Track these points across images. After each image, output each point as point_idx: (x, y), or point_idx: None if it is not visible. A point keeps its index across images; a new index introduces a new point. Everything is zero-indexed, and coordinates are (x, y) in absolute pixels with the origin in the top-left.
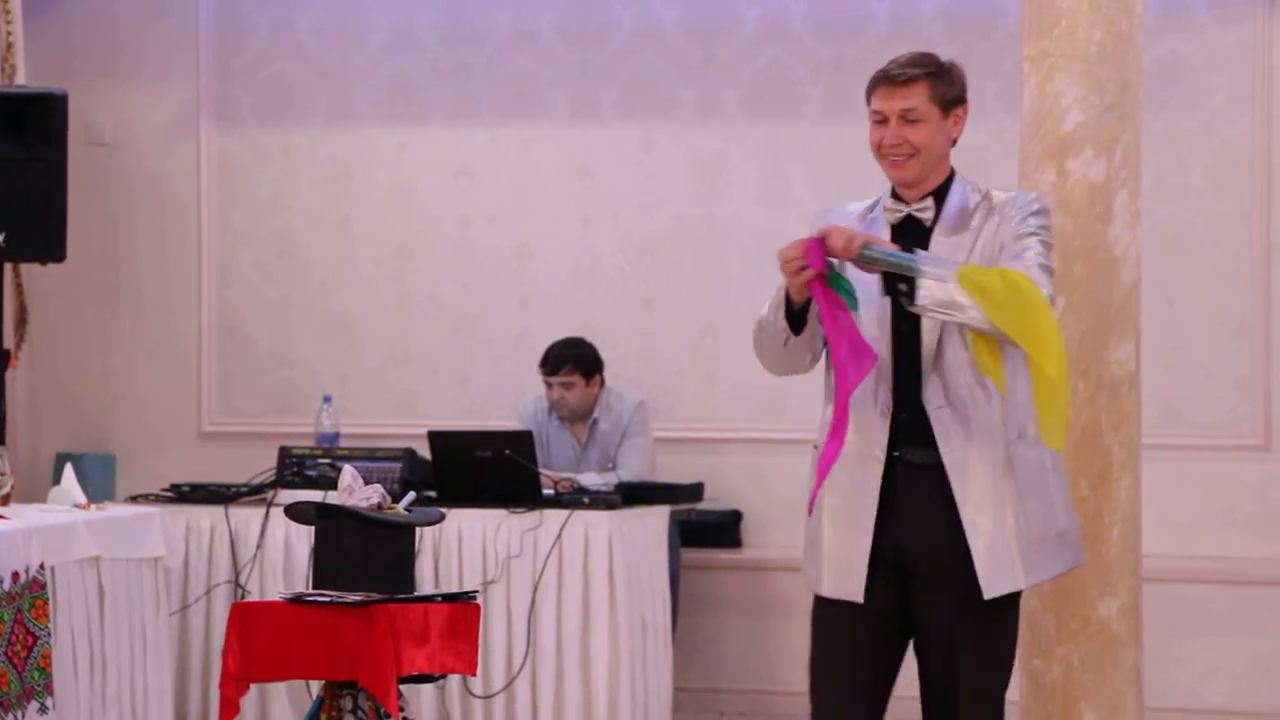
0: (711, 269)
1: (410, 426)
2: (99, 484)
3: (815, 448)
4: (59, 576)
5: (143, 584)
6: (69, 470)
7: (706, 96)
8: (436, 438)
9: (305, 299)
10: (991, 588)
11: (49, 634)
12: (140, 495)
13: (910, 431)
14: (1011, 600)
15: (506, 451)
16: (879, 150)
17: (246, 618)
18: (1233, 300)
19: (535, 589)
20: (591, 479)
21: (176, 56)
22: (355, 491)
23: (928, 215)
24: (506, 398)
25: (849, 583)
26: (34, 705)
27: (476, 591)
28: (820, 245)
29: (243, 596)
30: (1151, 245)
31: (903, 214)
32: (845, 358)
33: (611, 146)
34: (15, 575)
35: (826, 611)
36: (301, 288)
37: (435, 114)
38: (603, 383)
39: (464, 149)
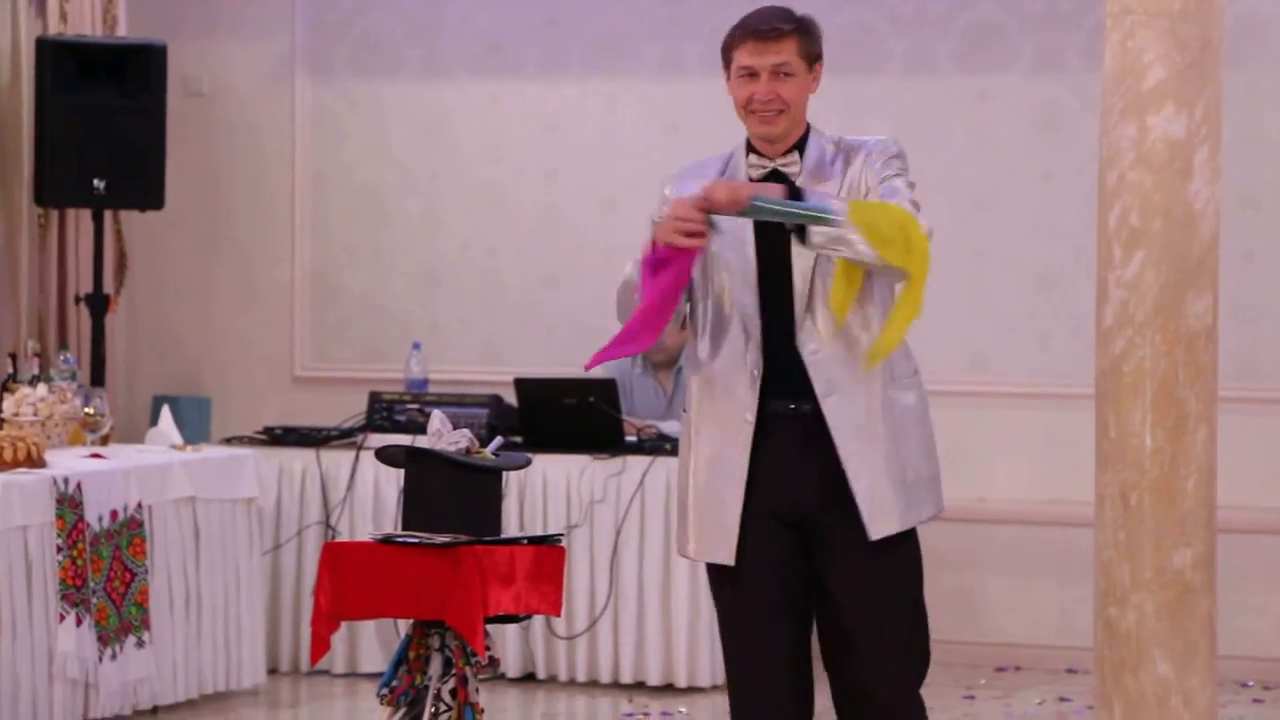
0: None
1: (497, 374)
2: (195, 426)
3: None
4: (156, 515)
5: (236, 524)
6: (166, 412)
7: None
8: (523, 385)
9: (395, 248)
10: (875, 529)
11: (146, 571)
12: (234, 437)
13: (780, 384)
14: (899, 540)
15: (591, 399)
16: (747, 106)
17: (338, 557)
18: None
19: (618, 533)
20: (673, 426)
21: (272, 9)
22: (444, 436)
23: (794, 169)
24: (591, 347)
25: (721, 546)
26: (132, 639)
27: (561, 535)
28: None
29: (333, 537)
30: (1230, 201)
31: (768, 169)
32: (639, 324)
33: (697, 101)
34: (114, 514)
35: (724, 580)
36: (392, 237)
37: (525, 67)
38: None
39: (552, 102)
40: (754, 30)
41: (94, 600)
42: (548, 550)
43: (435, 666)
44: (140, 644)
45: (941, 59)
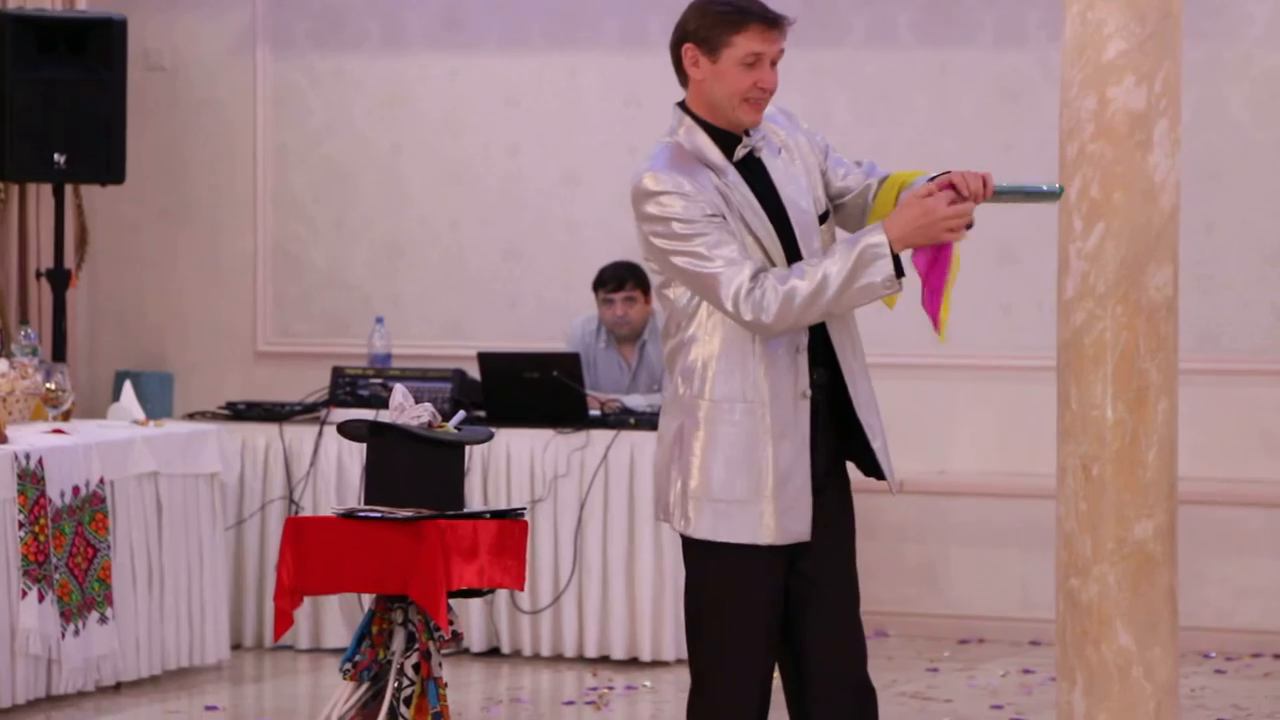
0: None
1: (460, 348)
2: (157, 401)
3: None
4: (118, 491)
5: (199, 499)
6: (128, 388)
7: None
8: (486, 359)
9: (358, 222)
10: (894, 482)
11: (109, 546)
12: (197, 413)
13: (813, 353)
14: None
15: (554, 373)
16: (747, 93)
17: (300, 532)
18: (1270, 228)
19: (581, 508)
20: (637, 400)
21: None
22: (406, 410)
23: (761, 145)
24: (554, 321)
25: (795, 523)
26: (94, 615)
27: (524, 509)
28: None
29: (296, 512)
30: (1190, 173)
31: (747, 150)
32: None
33: (659, 73)
34: (76, 489)
35: (753, 556)
36: (354, 211)
37: (485, 41)
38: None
39: (513, 76)
40: (761, 17)
41: (56, 576)
42: (511, 524)
43: (398, 641)
44: (103, 620)
45: (902, 31)
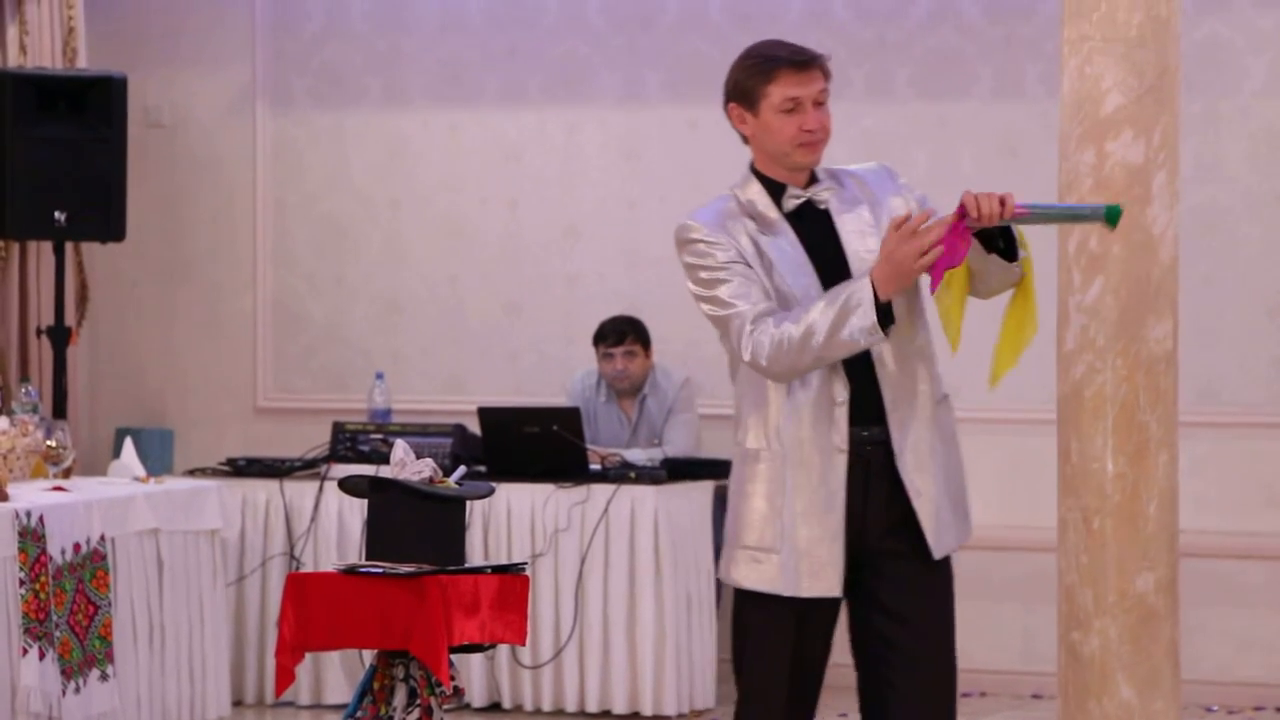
0: None
1: (460, 403)
2: (157, 458)
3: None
4: (119, 548)
5: (200, 556)
6: (128, 444)
7: None
8: (486, 414)
9: (358, 278)
10: (938, 549)
11: (109, 604)
12: (198, 469)
13: (859, 408)
14: (948, 560)
15: (554, 427)
16: (796, 138)
17: (302, 588)
18: (1269, 280)
19: (582, 562)
20: (637, 455)
21: (233, 41)
22: (407, 465)
23: (825, 195)
24: (554, 375)
25: (822, 579)
26: (95, 673)
27: (525, 564)
28: (962, 223)
29: (297, 568)
30: (1189, 226)
31: (802, 200)
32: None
33: (658, 128)
34: (77, 546)
35: (784, 610)
36: (354, 267)
37: (485, 97)
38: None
39: (513, 131)
40: (789, 61)
41: (57, 634)
42: (512, 579)
43: (400, 697)
44: (104, 677)
45: (901, 85)
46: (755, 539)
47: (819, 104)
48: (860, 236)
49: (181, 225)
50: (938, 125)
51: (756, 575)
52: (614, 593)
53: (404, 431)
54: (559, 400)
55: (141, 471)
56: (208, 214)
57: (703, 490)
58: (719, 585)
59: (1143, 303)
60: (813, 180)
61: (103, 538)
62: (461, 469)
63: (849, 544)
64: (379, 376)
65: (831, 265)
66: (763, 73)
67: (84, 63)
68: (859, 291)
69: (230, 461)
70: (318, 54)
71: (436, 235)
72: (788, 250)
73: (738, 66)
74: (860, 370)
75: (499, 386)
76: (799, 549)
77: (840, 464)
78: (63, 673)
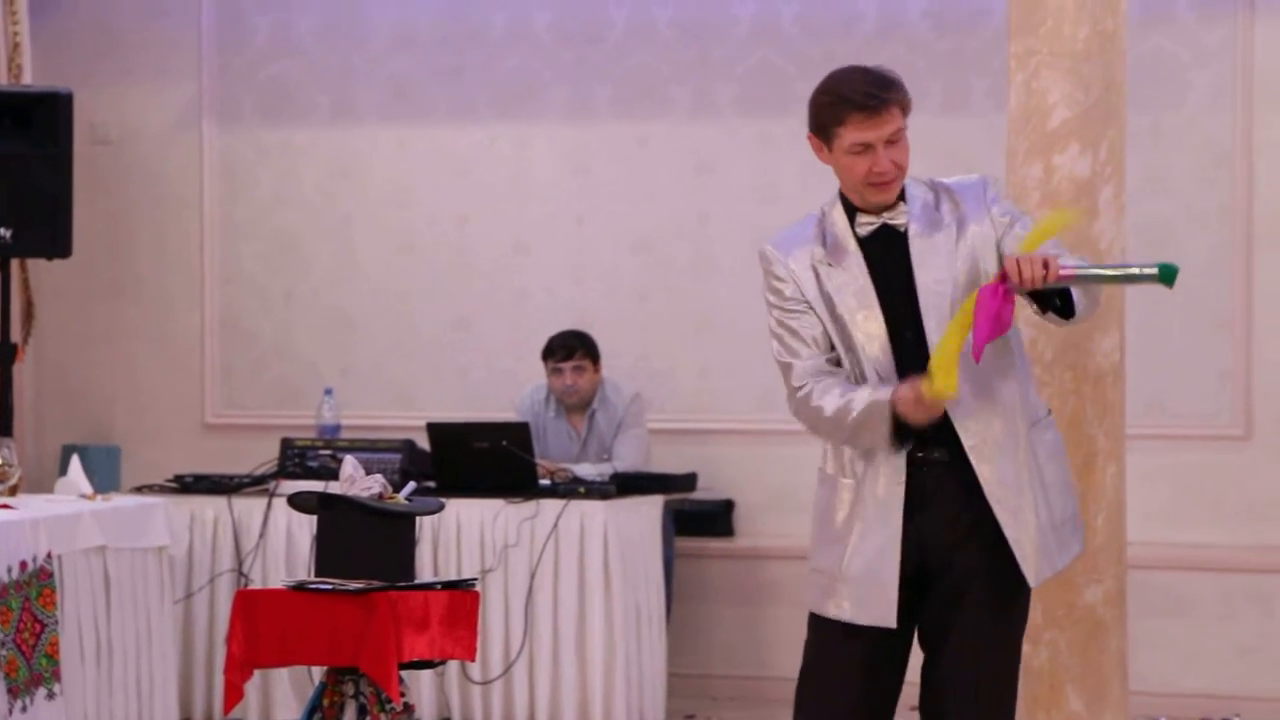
0: (705, 264)
1: (409, 419)
2: (104, 475)
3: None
4: (66, 565)
5: (148, 573)
6: (75, 461)
7: (700, 94)
8: (435, 429)
9: (306, 294)
10: (1031, 574)
11: (56, 622)
12: (145, 486)
13: (930, 431)
14: (1027, 592)
15: (504, 443)
16: (866, 179)
17: (251, 605)
18: (1215, 293)
19: (532, 577)
20: (586, 469)
21: (179, 57)
22: (357, 481)
23: (901, 221)
24: (504, 390)
25: (878, 606)
26: (42, 691)
27: (475, 579)
28: (1004, 285)
29: (245, 584)
30: (1135, 239)
31: (876, 225)
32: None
33: (607, 144)
34: (23, 564)
35: (836, 634)
36: (302, 283)
37: (434, 113)
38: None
39: (462, 147)
40: (860, 106)
41: (3, 652)
42: (462, 595)
43: (350, 714)
44: (51, 695)
45: None
46: (818, 561)
47: (893, 143)
48: (930, 262)
49: (128, 241)
50: None
51: (819, 599)
52: (564, 607)
53: (353, 447)
54: (508, 415)
55: (89, 489)
56: (155, 230)
57: (652, 505)
58: (669, 599)
59: (1090, 317)
60: (901, 196)
61: (49, 555)
62: (411, 485)
63: (923, 564)
64: (328, 392)
65: (899, 295)
66: (833, 114)
67: (30, 79)
68: (882, 405)
69: (178, 478)
70: (265, 70)
71: (386, 251)
72: (852, 282)
73: (814, 100)
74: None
75: (448, 401)
76: (864, 578)
77: (898, 493)
78: (9, 692)
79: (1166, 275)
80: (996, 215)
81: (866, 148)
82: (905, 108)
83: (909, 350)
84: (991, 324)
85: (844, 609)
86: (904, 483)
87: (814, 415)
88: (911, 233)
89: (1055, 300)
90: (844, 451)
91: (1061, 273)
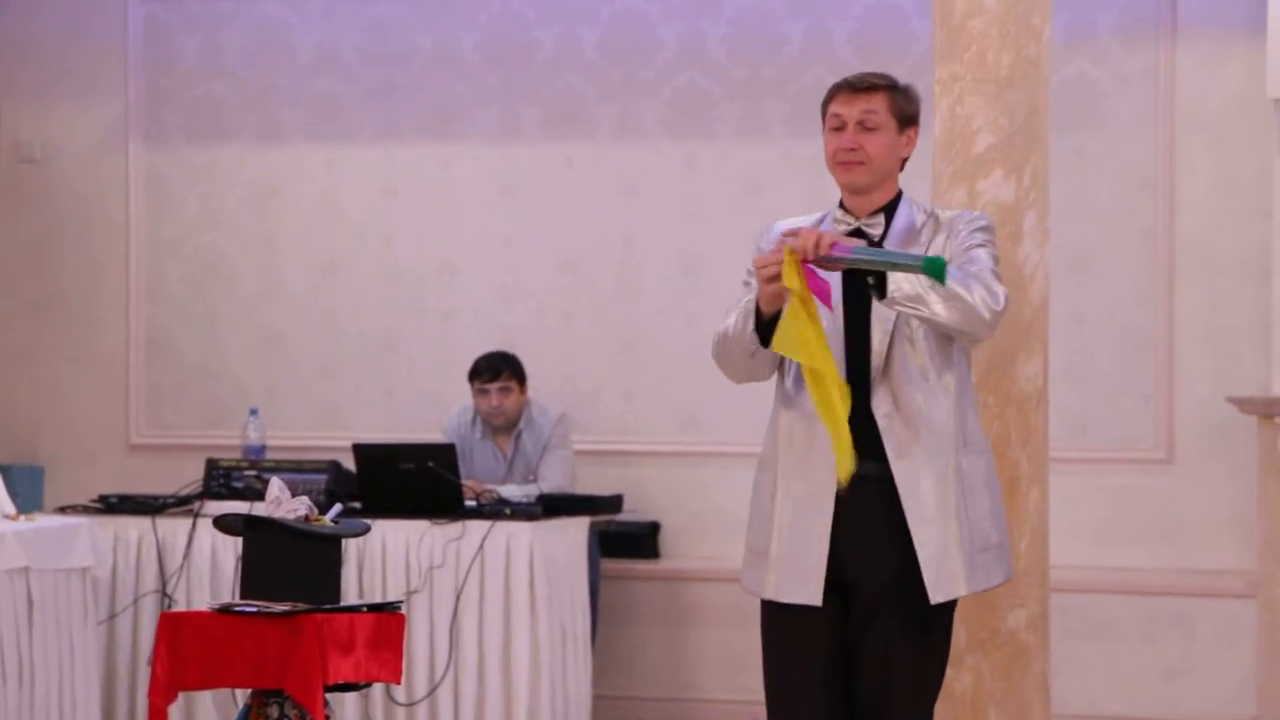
0: (631, 286)
1: (335, 439)
2: (28, 495)
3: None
4: None
5: (71, 594)
6: None
7: (627, 116)
8: (361, 450)
9: (232, 314)
10: (936, 593)
11: None
12: (69, 506)
13: (861, 443)
14: (948, 610)
15: (429, 464)
16: (834, 156)
17: (175, 627)
18: (1138, 317)
19: (458, 598)
20: (512, 491)
21: (105, 77)
22: (282, 503)
23: (877, 231)
24: (430, 411)
25: (805, 588)
26: None
27: (401, 602)
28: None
29: (170, 606)
30: (1059, 264)
31: (852, 227)
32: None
33: (534, 165)
34: None
35: (780, 619)
36: (228, 302)
37: (360, 133)
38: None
39: (388, 167)
40: (847, 83)
41: None
42: (387, 617)
43: None
44: None
45: (776, 122)
46: (749, 539)
47: (868, 128)
48: (889, 278)
49: (53, 260)
50: (812, 163)
51: (751, 578)
52: (489, 629)
53: (278, 468)
54: (435, 436)
55: (11, 509)
56: (79, 249)
57: (578, 526)
58: (594, 621)
59: (1014, 340)
60: (892, 209)
61: None
62: (337, 507)
63: (841, 574)
64: (253, 412)
65: (856, 301)
66: (828, 94)
67: None
68: (749, 301)
69: (102, 498)
70: (191, 90)
71: (312, 270)
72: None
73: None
74: (863, 410)
75: (375, 422)
76: (786, 554)
77: (831, 484)
78: None
79: (932, 268)
80: (956, 247)
81: (840, 124)
82: (897, 106)
83: (858, 353)
84: (813, 282)
85: (773, 586)
86: (834, 490)
87: (715, 341)
88: (885, 245)
89: (869, 279)
90: (780, 434)
91: (833, 252)
